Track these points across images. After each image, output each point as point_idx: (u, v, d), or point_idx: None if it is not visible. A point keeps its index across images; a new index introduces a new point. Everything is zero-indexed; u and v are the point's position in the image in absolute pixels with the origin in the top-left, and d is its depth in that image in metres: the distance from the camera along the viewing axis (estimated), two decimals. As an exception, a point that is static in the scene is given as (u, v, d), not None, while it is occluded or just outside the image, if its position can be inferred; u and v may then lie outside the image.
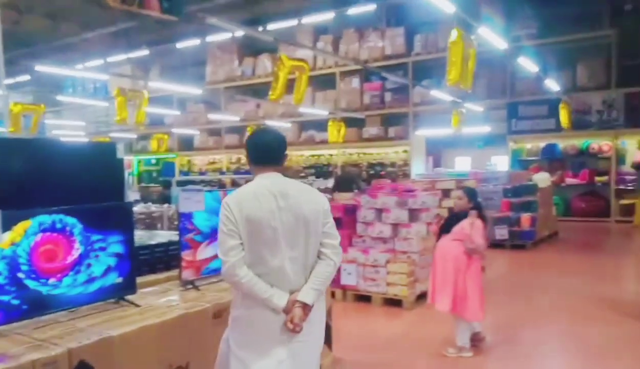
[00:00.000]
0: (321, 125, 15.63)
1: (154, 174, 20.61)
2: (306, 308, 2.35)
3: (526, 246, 9.92)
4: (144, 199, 9.81)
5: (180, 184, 12.44)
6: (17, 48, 16.17)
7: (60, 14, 15.52)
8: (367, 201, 6.48)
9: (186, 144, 19.62)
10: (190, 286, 3.34)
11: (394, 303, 6.03)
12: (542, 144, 14.49)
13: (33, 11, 15.03)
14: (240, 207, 2.34)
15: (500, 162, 15.24)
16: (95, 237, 2.84)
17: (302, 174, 16.43)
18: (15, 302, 2.51)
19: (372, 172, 16.09)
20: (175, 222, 5.70)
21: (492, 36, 8.18)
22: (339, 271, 5.98)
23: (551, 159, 14.30)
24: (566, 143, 13.89)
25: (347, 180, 9.76)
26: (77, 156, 3.51)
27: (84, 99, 18.57)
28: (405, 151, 15.79)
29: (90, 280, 2.83)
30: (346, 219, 6.79)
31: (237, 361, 2.39)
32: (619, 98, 13.14)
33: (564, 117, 12.64)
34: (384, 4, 15.42)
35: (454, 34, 6.53)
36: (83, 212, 2.80)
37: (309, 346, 2.47)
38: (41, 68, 10.77)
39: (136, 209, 8.76)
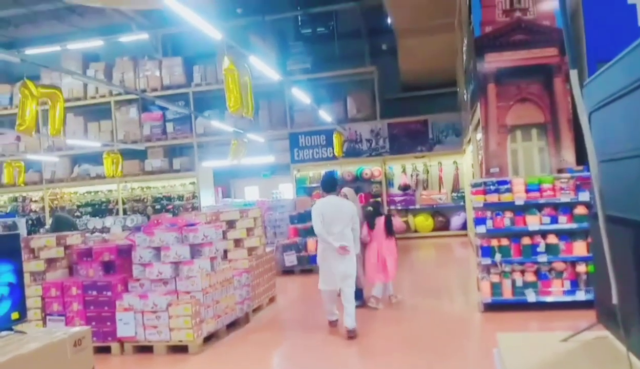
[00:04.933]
0: (97, 158, 14.32)
1: None
2: (345, 247, 5.83)
3: (314, 270, 10.19)
4: None
5: None
6: None
7: None
8: (143, 239, 5.90)
9: None
10: None
11: (179, 349, 5.55)
12: (322, 171, 15.38)
13: None
14: (320, 208, 6.00)
15: (287, 190, 15.76)
16: None
17: (77, 214, 14.80)
18: None
19: (157, 206, 15.23)
20: None
21: (264, 67, 8.36)
22: (114, 322, 5.35)
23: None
24: (343, 169, 14.95)
25: (63, 222, 9.20)
26: None
27: None
28: (192, 183, 15.33)
29: None
30: (120, 262, 6.12)
31: (323, 266, 6.05)
32: (384, 128, 14.65)
33: (337, 146, 13.60)
34: (158, 33, 14.98)
35: (227, 62, 6.46)
36: None
37: (348, 260, 5.92)
38: None
39: None
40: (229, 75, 6.52)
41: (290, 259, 10.21)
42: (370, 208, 7.43)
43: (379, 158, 14.74)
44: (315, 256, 10.18)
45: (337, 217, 5.92)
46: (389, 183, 15.04)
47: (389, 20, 12.49)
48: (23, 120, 5.55)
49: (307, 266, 10.18)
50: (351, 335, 5.74)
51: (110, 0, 11.44)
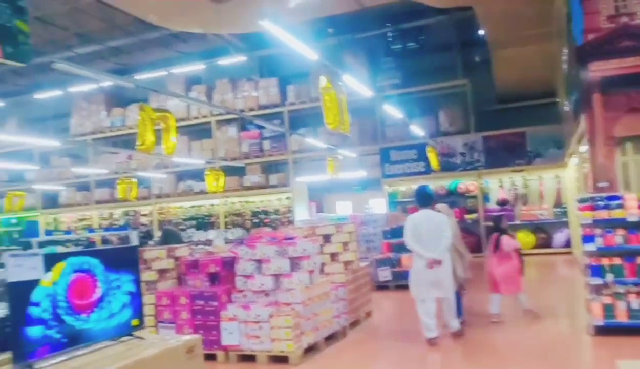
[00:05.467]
0: (199, 174, 15.18)
1: (15, 235, 18.56)
2: (435, 260, 5.95)
3: (409, 286, 10.13)
4: (-2, 264, 8.66)
5: (43, 245, 11.31)
6: None
7: None
8: (245, 252, 6.20)
9: (51, 201, 17.99)
10: None
11: (280, 359, 5.74)
12: (414, 186, 15.25)
13: None
14: (412, 221, 6.25)
15: (378, 205, 15.78)
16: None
17: (182, 227, 15.72)
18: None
19: (255, 220, 15.84)
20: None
21: (357, 84, 8.50)
22: (219, 331, 5.65)
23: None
24: (436, 184, 14.73)
25: (171, 235, 10.17)
26: None
27: None
28: (287, 198, 15.78)
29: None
30: (224, 273, 6.45)
31: (415, 276, 6.18)
32: (479, 141, 14.28)
33: (433, 160, 13.42)
34: (255, 55, 15.68)
35: (323, 81, 6.66)
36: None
37: (442, 272, 6.01)
38: None
39: (-15, 278, 7.71)
40: (326, 93, 6.71)
41: (385, 274, 10.20)
42: (491, 223, 8.00)
43: (474, 172, 14.37)
44: (409, 272, 10.18)
45: (429, 229, 6.07)
46: (485, 198, 14.59)
47: (481, 32, 12.25)
48: (143, 140, 6.08)
49: (402, 281, 10.08)
50: (457, 334, 6.05)
51: (211, 26, 12.20)
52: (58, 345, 2.92)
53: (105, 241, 12.15)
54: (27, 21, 4.78)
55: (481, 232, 13.99)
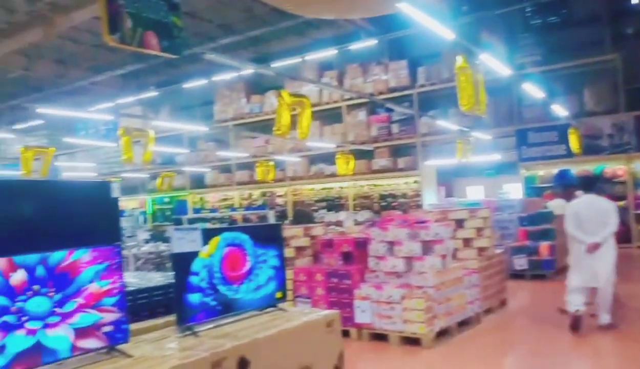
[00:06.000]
0: (330, 158, 15.61)
1: (167, 213, 20.64)
2: (594, 244, 5.80)
3: (547, 276, 9.63)
4: (155, 238, 9.73)
5: (192, 221, 12.39)
6: (28, 93, 16.47)
7: (69, 59, 15.81)
8: (377, 233, 6.33)
9: (198, 182, 19.68)
10: (189, 333, 3.16)
11: (411, 341, 5.81)
12: (554, 170, 14.30)
13: (43, 57, 15.31)
14: (575, 207, 6.13)
15: (513, 190, 15.05)
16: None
17: (314, 208, 16.33)
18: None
19: (383, 203, 15.96)
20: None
21: (495, 63, 8.15)
22: (352, 308, 5.85)
23: (565, 185, 14.07)
24: (579, 168, 13.69)
25: (303, 215, 10.49)
26: (71, 195, 3.39)
27: (93, 140, 18.76)
28: (415, 182, 15.67)
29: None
30: (357, 253, 6.64)
31: (576, 264, 6.02)
32: (629, 121, 12.99)
33: (574, 142, 12.49)
34: (385, 38, 15.62)
35: (459, 60, 6.50)
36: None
37: (602, 261, 5.84)
38: (44, 111, 10.92)
39: (145, 248, 8.71)
40: (462, 73, 6.55)
41: (520, 262, 9.78)
42: None
43: (622, 155, 13.12)
44: (547, 261, 9.67)
45: (590, 216, 5.91)
46: (637, 184, 13.27)
47: (635, 0, 11.07)
48: (280, 125, 6.43)
49: (539, 271, 9.64)
50: (607, 328, 5.82)
51: (344, 12, 12.38)
52: (213, 312, 3.21)
53: (245, 219, 13.03)
54: (180, 16, 5.28)
55: (630, 222, 12.79)
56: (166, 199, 20.97)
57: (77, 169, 20.56)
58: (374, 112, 16.14)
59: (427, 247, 6.11)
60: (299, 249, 7.11)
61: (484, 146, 14.08)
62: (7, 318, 2.35)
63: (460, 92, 6.56)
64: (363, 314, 6.10)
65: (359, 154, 15.24)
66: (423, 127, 15.12)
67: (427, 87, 14.97)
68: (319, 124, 16.30)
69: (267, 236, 3.69)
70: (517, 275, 9.68)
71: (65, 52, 15.25)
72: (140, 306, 3.55)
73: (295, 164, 17.01)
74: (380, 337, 6.03)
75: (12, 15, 11.84)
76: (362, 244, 6.61)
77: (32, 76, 15.89)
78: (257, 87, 18.07)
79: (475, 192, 16.96)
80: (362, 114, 16.05)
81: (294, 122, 7.09)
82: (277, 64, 14.59)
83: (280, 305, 3.76)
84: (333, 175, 15.88)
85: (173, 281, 4.01)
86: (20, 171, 9.69)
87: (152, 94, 17.36)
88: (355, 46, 15.27)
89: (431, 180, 15.92)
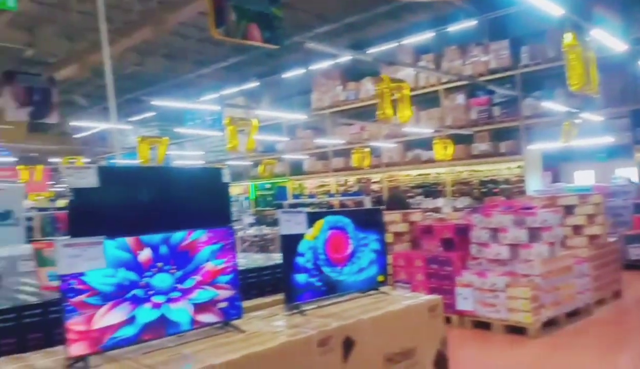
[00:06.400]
0: (427, 143, 15.34)
1: (269, 198, 21.44)
2: None
3: (667, 268, 8.90)
4: (259, 222, 10.19)
5: (292, 207, 12.75)
6: (142, 87, 17.71)
7: (177, 54, 16.78)
8: (480, 220, 6.17)
9: (297, 169, 20.20)
10: (296, 311, 3.26)
11: (516, 330, 5.63)
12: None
13: (153, 53, 16.37)
14: None
15: (627, 175, 13.95)
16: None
17: (410, 195, 16.18)
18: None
19: (484, 190, 15.45)
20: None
21: (608, 38, 7.57)
22: (453, 295, 5.76)
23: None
24: None
25: (397, 200, 10.25)
26: (187, 180, 3.60)
27: (201, 130, 19.86)
28: (519, 167, 14.98)
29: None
30: (458, 240, 6.53)
31: None
32: None
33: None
34: (485, 18, 14.99)
35: (568, 37, 6.12)
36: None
37: None
38: (157, 103, 11.72)
39: (250, 232, 9.17)
40: (571, 51, 6.18)
41: (636, 252, 9.13)
42: None
43: None
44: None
45: None
46: None
47: None
48: (382, 110, 6.45)
49: (658, 261, 8.93)
50: None
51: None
52: (318, 292, 3.31)
53: (342, 205, 13.22)
54: (280, 7, 5.43)
55: None
56: (267, 186, 21.79)
57: (185, 158, 21.90)
58: (473, 95, 15.61)
59: (534, 234, 5.87)
60: (398, 235, 7.11)
61: (594, 128, 13.15)
62: (136, 292, 2.57)
63: (569, 72, 6.19)
64: (465, 301, 6.00)
65: (458, 139, 14.84)
66: (526, 109, 14.38)
67: (531, 68, 14.20)
68: (415, 109, 15.94)
69: (368, 220, 3.72)
70: (633, 265, 9.03)
71: (174, 48, 16.20)
72: (249, 285, 3.75)
73: (391, 150, 16.91)
74: (482, 325, 5.91)
75: (127, 15, 12.75)
76: (463, 231, 6.48)
77: (144, 71, 17.05)
78: (352, 74, 18.12)
79: (584, 177, 15.92)
80: (460, 98, 15.58)
81: (393, 107, 7.07)
82: (373, 50, 14.53)
83: (382, 288, 3.79)
84: (430, 161, 15.60)
85: (279, 262, 4.22)
86: (138, 159, 10.54)
87: (253, 84, 18.03)
88: (454, 28, 14.82)
89: (536, 165, 15.14)
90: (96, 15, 6.29)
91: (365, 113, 16.44)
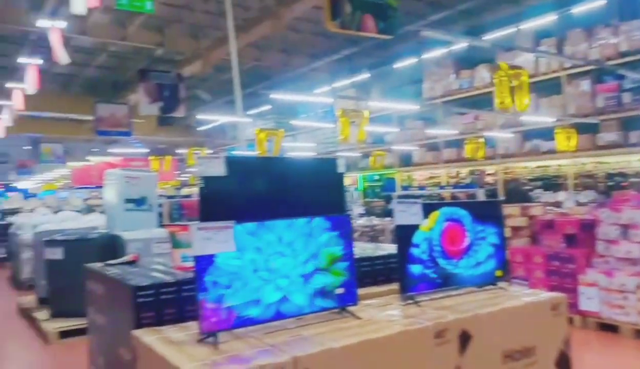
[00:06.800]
0: (546, 133, 14.47)
1: (377, 190, 21.50)
2: None
3: None
4: (368, 212, 10.30)
5: (401, 198, 12.71)
6: (259, 82, 18.52)
7: (292, 48, 17.30)
8: (608, 215, 5.76)
9: (405, 160, 20.02)
10: (411, 302, 3.26)
11: (647, 335, 5.21)
12: None
13: (270, 48, 17.02)
14: None
15: None
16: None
17: (528, 188, 15.40)
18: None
19: (610, 183, 14.29)
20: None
21: None
22: (576, 294, 5.45)
23: None
24: None
25: (517, 193, 9.48)
26: (305, 170, 3.73)
27: (314, 122, 20.36)
28: (651, 158, 13.68)
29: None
30: (582, 236, 6.13)
31: None
32: None
33: None
34: (614, -2, 13.80)
35: None
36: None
37: None
38: (275, 96, 12.16)
39: (360, 222, 9.30)
40: None
41: None
42: None
43: None
44: None
45: None
46: None
47: None
48: (501, 98, 6.24)
49: None
50: None
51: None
52: (433, 284, 3.27)
53: (454, 197, 12.91)
54: (397, -3, 5.38)
55: None
56: (376, 177, 21.84)
57: (298, 149, 22.58)
58: (600, 81, 14.44)
59: (671, 232, 5.37)
60: (516, 229, 6.83)
61: None
62: (262, 274, 2.74)
63: None
64: (589, 301, 5.64)
65: (581, 128, 13.86)
66: (663, 95, 13.07)
67: (671, 49, 12.87)
68: (534, 97, 15.12)
69: (487, 213, 3.61)
70: None
71: (289, 42, 16.73)
72: (363, 274, 3.82)
73: (507, 140, 16.17)
74: (608, 327, 5.53)
75: (247, 12, 13.38)
76: (588, 226, 6.09)
77: (262, 66, 17.79)
78: (466, 62, 17.54)
79: None
80: (585, 84, 14.48)
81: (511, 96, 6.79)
82: (490, 36, 13.97)
83: (500, 284, 3.68)
84: (551, 152, 14.70)
85: (391, 251, 4.25)
86: (256, 150, 11.09)
87: (364, 76, 18.11)
88: (579, 9, 13.82)
89: (672, 156, 13.73)
90: (219, 15, 6.69)
91: (480, 102, 15.85)
